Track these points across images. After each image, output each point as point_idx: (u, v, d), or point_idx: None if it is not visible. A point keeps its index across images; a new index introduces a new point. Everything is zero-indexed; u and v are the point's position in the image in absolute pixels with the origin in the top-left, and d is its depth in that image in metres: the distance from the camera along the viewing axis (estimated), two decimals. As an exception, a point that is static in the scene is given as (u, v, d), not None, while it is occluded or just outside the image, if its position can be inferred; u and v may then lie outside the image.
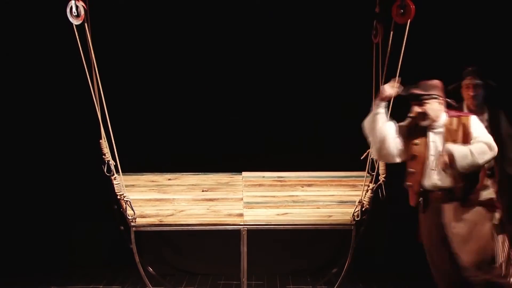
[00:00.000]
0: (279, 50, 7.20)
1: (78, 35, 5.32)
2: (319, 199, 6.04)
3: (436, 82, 4.98)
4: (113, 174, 5.71)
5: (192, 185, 6.16)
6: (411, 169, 5.03)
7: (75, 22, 5.37)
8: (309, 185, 6.12)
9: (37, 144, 7.37)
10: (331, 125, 6.95)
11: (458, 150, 4.80)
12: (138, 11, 7.11)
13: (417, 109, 4.91)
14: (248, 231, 5.86)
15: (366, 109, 5.87)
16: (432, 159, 4.93)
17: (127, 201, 5.80)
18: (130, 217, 5.83)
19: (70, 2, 5.34)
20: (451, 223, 4.88)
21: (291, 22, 7.17)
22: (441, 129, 4.93)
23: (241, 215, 5.96)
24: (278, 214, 6.00)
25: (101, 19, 5.63)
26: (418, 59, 5.91)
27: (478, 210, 4.91)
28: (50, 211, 7.39)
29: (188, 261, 7.34)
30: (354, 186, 6.10)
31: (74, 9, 5.34)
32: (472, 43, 6.93)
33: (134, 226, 5.87)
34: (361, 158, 5.88)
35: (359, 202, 5.81)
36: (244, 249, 5.83)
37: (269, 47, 7.18)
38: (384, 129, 5.01)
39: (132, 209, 5.81)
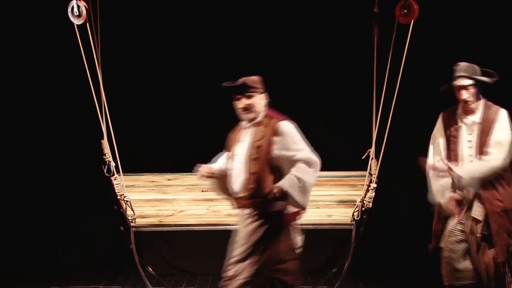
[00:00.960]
0: (279, 51, 7.19)
1: (80, 35, 5.32)
2: (319, 199, 6.02)
3: (258, 78, 4.54)
4: (113, 175, 5.71)
5: (192, 185, 6.15)
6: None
7: (77, 22, 5.37)
8: (309, 185, 6.11)
9: (38, 144, 7.37)
10: (331, 125, 6.94)
11: (289, 184, 4.24)
12: (140, 12, 7.10)
13: (244, 101, 4.40)
14: (248, 231, 5.84)
15: (365, 109, 5.91)
16: (236, 160, 4.48)
17: (127, 201, 5.80)
18: (130, 218, 5.83)
19: (72, 2, 5.34)
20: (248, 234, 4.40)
21: (293, 23, 7.17)
22: (253, 128, 4.41)
23: (241, 215, 5.95)
24: (278, 214, 5.99)
25: (102, 19, 5.63)
26: (417, 59, 5.89)
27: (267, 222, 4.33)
28: (50, 211, 7.39)
29: (188, 261, 7.33)
30: (354, 186, 6.10)
31: (75, 9, 5.34)
32: (472, 41, 6.91)
33: (134, 226, 5.87)
34: (362, 158, 5.89)
35: (360, 201, 5.80)
36: (244, 249, 5.81)
37: (269, 48, 7.16)
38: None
39: (132, 210, 5.82)
